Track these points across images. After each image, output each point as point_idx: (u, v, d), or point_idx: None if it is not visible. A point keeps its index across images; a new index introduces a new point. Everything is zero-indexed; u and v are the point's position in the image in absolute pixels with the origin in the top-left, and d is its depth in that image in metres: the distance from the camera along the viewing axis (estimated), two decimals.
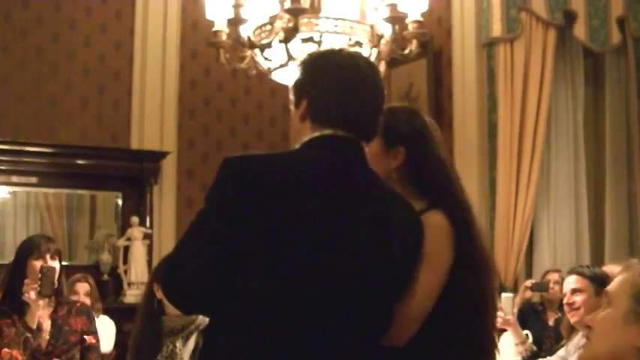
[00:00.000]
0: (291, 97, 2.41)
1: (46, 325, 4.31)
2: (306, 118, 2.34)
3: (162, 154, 8.36)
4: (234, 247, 2.11)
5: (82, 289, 6.15)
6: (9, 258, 5.26)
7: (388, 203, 2.32)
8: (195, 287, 2.16)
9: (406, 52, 5.24)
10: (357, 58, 2.44)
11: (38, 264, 4.30)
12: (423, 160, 2.56)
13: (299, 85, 2.39)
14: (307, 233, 2.14)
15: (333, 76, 2.34)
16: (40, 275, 4.20)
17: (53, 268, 4.29)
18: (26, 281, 4.23)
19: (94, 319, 4.66)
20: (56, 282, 4.30)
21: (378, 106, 2.39)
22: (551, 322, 6.17)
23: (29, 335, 4.20)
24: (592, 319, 2.17)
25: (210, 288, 2.15)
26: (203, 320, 3.81)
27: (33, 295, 4.20)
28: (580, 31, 7.13)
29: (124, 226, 8.19)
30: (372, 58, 4.98)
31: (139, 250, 7.94)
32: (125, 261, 8.01)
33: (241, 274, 2.10)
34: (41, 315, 4.28)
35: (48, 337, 4.29)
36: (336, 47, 4.65)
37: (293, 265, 2.12)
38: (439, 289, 2.37)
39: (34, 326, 4.24)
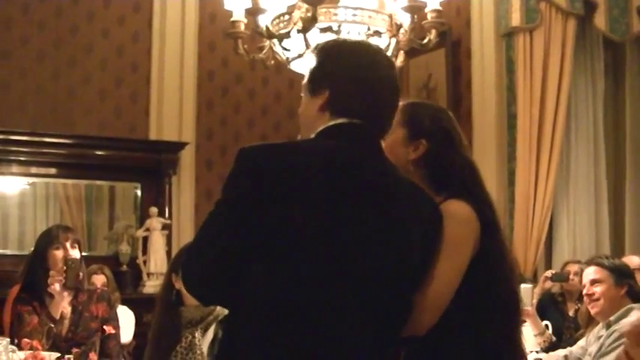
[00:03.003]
0: (307, 83, 2.40)
1: (67, 311, 4.34)
2: (325, 108, 2.33)
3: (180, 145, 8.38)
4: (250, 238, 2.10)
5: (99, 282, 6.16)
6: (29, 248, 5.30)
7: (405, 192, 2.32)
8: (211, 278, 2.16)
9: (425, 41, 5.21)
10: (376, 52, 2.44)
11: (58, 254, 4.35)
12: (446, 156, 2.57)
13: (320, 74, 2.37)
14: (323, 224, 2.13)
15: (357, 70, 2.33)
16: (65, 267, 4.24)
17: (78, 260, 4.32)
18: (51, 273, 4.27)
19: (114, 306, 4.70)
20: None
21: (395, 101, 2.41)
22: (571, 313, 6.14)
23: (52, 326, 4.23)
24: (635, 333, 2.07)
25: (226, 279, 2.14)
26: (221, 311, 3.81)
27: (58, 287, 4.23)
28: (600, 20, 7.08)
29: (142, 217, 8.22)
30: (391, 48, 4.97)
31: (157, 241, 7.96)
32: (144, 252, 8.04)
33: (258, 265, 2.10)
34: (63, 305, 4.32)
35: (68, 323, 4.32)
36: (352, 37, 4.65)
37: (309, 256, 2.11)
38: (459, 276, 2.37)
39: (58, 316, 4.28)
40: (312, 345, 2.10)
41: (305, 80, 2.42)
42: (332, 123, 2.29)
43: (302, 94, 2.44)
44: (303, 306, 2.10)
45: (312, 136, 2.32)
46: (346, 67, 2.34)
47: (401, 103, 2.53)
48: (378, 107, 2.34)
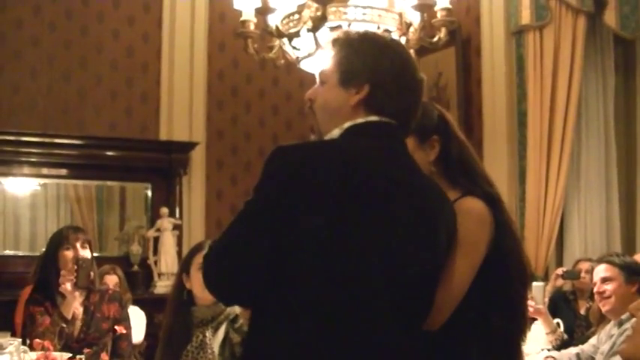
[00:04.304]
0: (337, 72, 2.29)
1: (79, 312, 4.35)
2: (362, 104, 2.26)
3: (191, 145, 8.40)
4: (284, 240, 2.06)
5: (111, 282, 6.17)
6: (40, 249, 5.32)
7: (431, 191, 2.31)
8: (241, 281, 2.11)
9: (435, 40, 5.21)
10: (407, 50, 2.39)
11: (69, 254, 4.36)
12: (448, 143, 2.59)
13: (358, 66, 2.27)
14: (360, 226, 2.10)
15: (398, 68, 2.28)
16: (75, 267, 4.25)
17: (89, 260, 4.34)
18: (62, 272, 4.28)
19: (126, 306, 4.70)
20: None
21: (421, 102, 2.37)
22: (582, 311, 6.14)
23: (64, 326, 4.24)
24: (637, 308, 2.10)
25: (255, 281, 2.10)
26: (232, 310, 3.81)
27: (69, 286, 4.24)
28: (610, 17, 7.06)
29: (153, 218, 8.24)
30: None
31: (168, 241, 7.98)
32: (155, 252, 8.06)
33: (289, 266, 2.07)
34: (75, 305, 4.33)
35: (80, 324, 4.33)
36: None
37: (343, 257, 2.08)
38: (473, 274, 2.39)
39: (70, 317, 4.28)
40: (343, 343, 2.08)
41: (331, 68, 2.31)
42: (362, 120, 2.24)
43: (321, 81, 2.34)
44: (333, 305, 2.08)
45: (337, 130, 2.25)
46: (389, 63, 2.27)
47: None
48: (411, 108, 2.31)
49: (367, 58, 2.28)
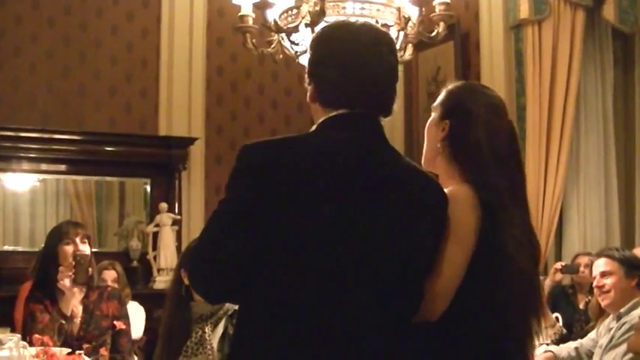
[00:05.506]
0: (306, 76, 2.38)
1: (78, 310, 4.34)
2: (315, 99, 2.32)
3: (190, 141, 8.39)
4: (255, 237, 2.08)
5: (110, 277, 6.17)
6: (39, 245, 5.31)
7: (412, 179, 2.30)
8: (219, 279, 2.15)
9: (433, 34, 5.21)
10: (362, 32, 2.35)
11: (69, 249, 4.35)
12: (460, 135, 2.56)
13: (310, 63, 2.36)
14: (333, 217, 2.12)
15: (337, 56, 2.29)
16: (74, 263, 4.24)
17: (87, 256, 4.32)
18: (61, 269, 4.28)
19: (125, 304, 4.69)
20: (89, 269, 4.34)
21: (387, 79, 2.34)
22: (581, 306, 6.15)
23: (63, 322, 4.23)
24: None
25: (234, 279, 2.13)
26: (231, 306, 3.80)
27: (68, 282, 4.24)
28: (609, 11, 7.04)
29: (152, 213, 8.22)
30: (399, 41, 4.97)
31: (168, 237, 7.96)
32: (154, 247, 8.05)
33: (268, 262, 2.09)
34: (74, 302, 4.32)
35: (80, 322, 4.33)
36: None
37: (319, 251, 2.10)
38: (466, 261, 2.36)
39: (69, 313, 4.28)
40: (324, 340, 2.09)
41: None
42: (333, 114, 2.26)
43: None
44: (314, 302, 2.10)
45: (314, 127, 2.30)
46: (327, 55, 2.31)
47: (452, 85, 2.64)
48: (369, 93, 2.29)
49: (314, 54, 2.36)
